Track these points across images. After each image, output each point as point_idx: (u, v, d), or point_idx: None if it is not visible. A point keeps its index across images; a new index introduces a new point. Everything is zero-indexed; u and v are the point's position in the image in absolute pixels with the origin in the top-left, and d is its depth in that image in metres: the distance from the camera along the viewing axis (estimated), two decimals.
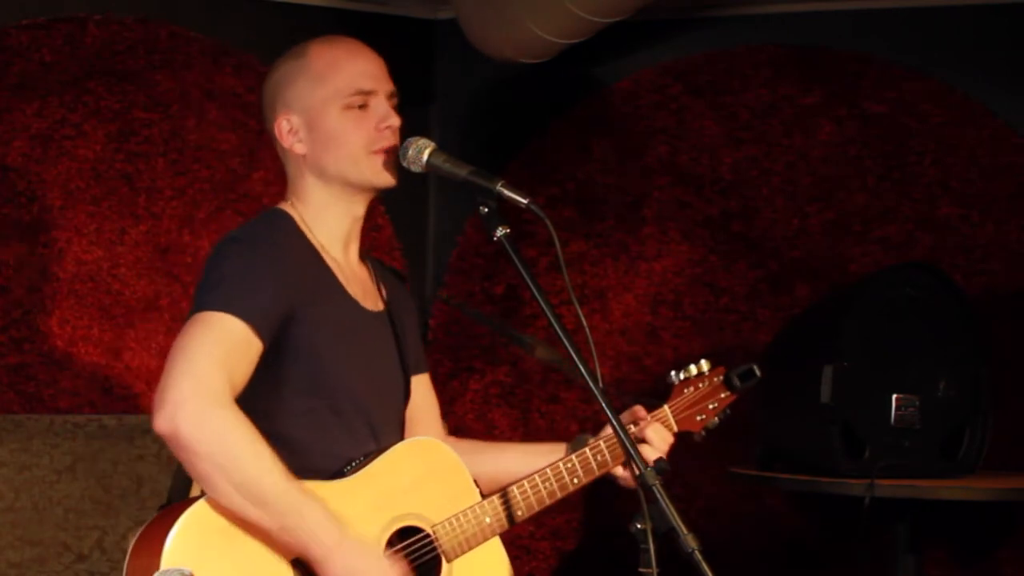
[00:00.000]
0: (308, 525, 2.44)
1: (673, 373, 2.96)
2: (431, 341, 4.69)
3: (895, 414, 3.80)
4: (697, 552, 2.30)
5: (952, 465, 3.86)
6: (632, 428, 2.84)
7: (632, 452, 2.39)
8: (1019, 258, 4.25)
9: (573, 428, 4.46)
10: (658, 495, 2.34)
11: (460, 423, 4.60)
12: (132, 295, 4.17)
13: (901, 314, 3.85)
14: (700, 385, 2.96)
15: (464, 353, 4.65)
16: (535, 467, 2.80)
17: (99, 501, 3.78)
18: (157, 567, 2.36)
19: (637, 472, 2.37)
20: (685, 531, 2.31)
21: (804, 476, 3.83)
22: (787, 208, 4.44)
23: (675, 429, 2.89)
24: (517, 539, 4.52)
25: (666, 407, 2.91)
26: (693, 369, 2.96)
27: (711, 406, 2.96)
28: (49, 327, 4.05)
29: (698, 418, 2.95)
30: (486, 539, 2.71)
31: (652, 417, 2.87)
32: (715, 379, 2.97)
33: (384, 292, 2.83)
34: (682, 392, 2.95)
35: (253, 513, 2.43)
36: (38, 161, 4.06)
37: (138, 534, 2.48)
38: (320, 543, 2.44)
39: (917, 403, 3.81)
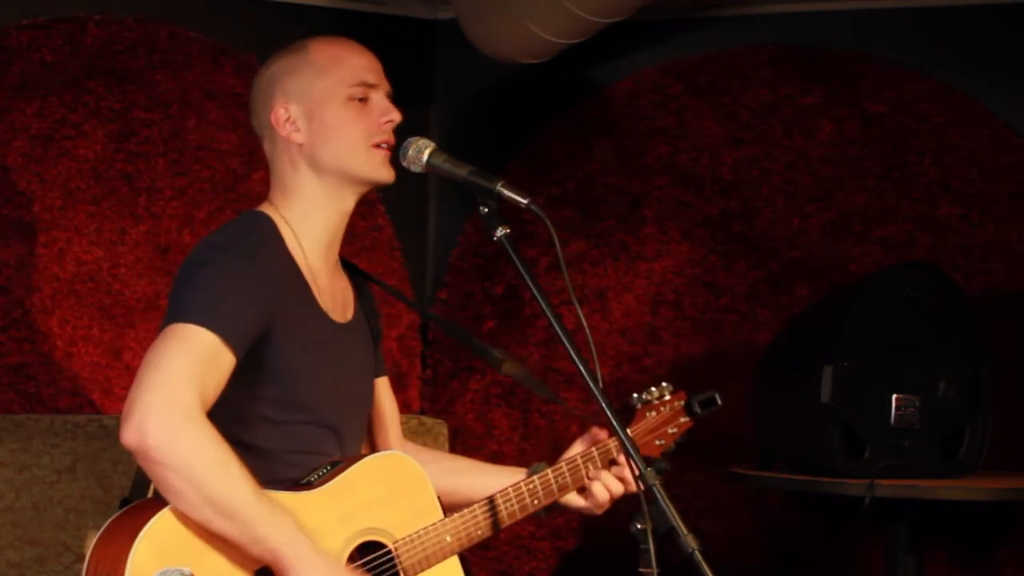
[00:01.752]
0: (278, 537, 2.42)
1: (635, 396, 2.95)
2: (431, 341, 4.69)
3: (895, 414, 3.80)
4: (697, 552, 2.30)
5: (952, 465, 3.86)
6: (593, 452, 2.85)
7: (632, 452, 2.39)
8: (1019, 258, 4.25)
9: (573, 428, 4.46)
10: (658, 495, 2.33)
11: (460, 423, 4.60)
12: (132, 295, 4.17)
13: (901, 314, 3.85)
14: (662, 409, 2.96)
15: (464, 353, 4.65)
16: (490, 488, 2.80)
17: (99, 501, 3.78)
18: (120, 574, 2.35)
19: (636, 472, 2.37)
20: (685, 531, 2.31)
21: (804, 476, 3.83)
22: (787, 208, 4.44)
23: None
24: (517, 539, 4.52)
25: (628, 432, 2.91)
26: (656, 392, 2.96)
27: (670, 431, 2.96)
28: (49, 327, 4.05)
29: (657, 443, 2.95)
30: (446, 557, 2.69)
31: (613, 441, 2.86)
32: (676, 403, 2.97)
33: (355, 299, 2.81)
34: (644, 416, 2.95)
35: (222, 525, 2.40)
36: (38, 161, 4.06)
37: (99, 535, 2.45)
38: (288, 555, 2.43)
39: (917, 403, 3.81)
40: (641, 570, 2.35)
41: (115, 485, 3.80)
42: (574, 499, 2.87)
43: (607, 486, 2.84)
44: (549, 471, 2.81)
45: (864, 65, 4.41)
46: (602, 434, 2.87)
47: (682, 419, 2.97)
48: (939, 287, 3.89)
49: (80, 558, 3.75)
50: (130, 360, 4.14)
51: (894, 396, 3.80)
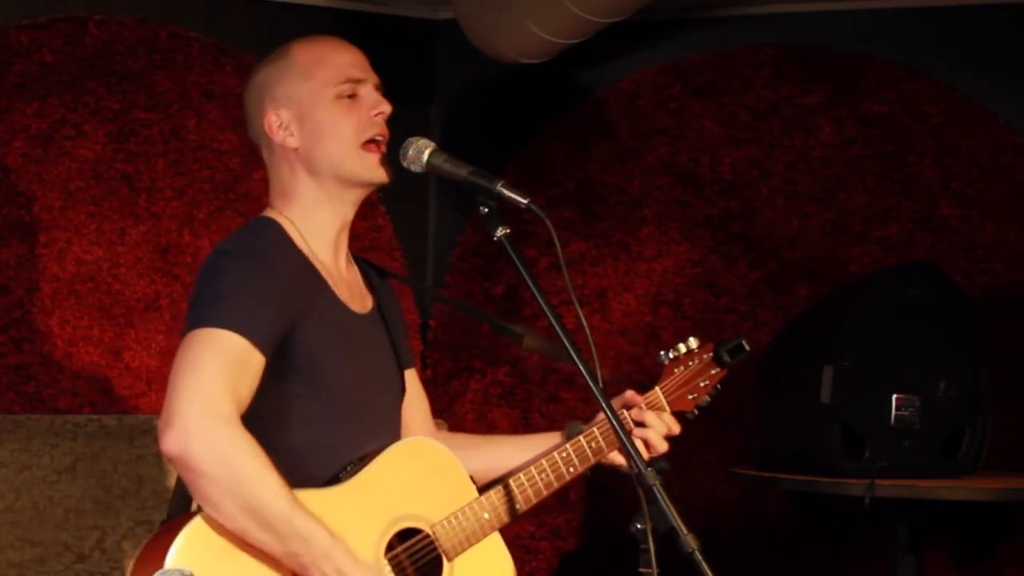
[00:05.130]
0: (313, 551, 2.43)
1: (662, 353, 2.94)
2: (431, 341, 4.69)
3: (895, 414, 3.80)
4: (697, 552, 2.30)
5: (952, 465, 3.86)
6: (625, 413, 2.83)
7: (632, 452, 2.39)
8: (1019, 258, 4.26)
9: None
10: (658, 495, 2.33)
11: (460, 423, 4.60)
12: (132, 295, 4.17)
13: (901, 314, 3.85)
14: (690, 363, 2.93)
15: (464, 353, 4.65)
16: (530, 460, 2.79)
17: (99, 501, 3.77)
18: None
19: (636, 472, 2.37)
20: (685, 531, 2.31)
21: (804, 476, 3.83)
22: (787, 208, 4.44)
23: (667, 411, 2.87)
24: (517, 539, 4.52)
25: (657, 389, 2.89)
26: (682, 347, 2.93)
27: (702, 384, 2.93)
28: (49, 327, 4.05)
29: (690, 397, 2.92)
30: (486, 535, 2.69)
31: (644, 399, 2.85)
32: (704, 356, 2.93)
33: (372, 291, 2.82)
34: (672, 372, 2.92)
35: (258, 536, 2.41)
36: (38, 161, 4.06)
37: (138, 553, 2.45)
38: (323, 571, 2.44)
39: (917, 403, 3.81)
40: (641, 570, 2.35)
41: (115, 485, 3.80)
42: (613, 457, 2.84)
43: (647, 441, 2.82)
44: (581, 438, 2.79)
45: (864, 65, 4.41)
46: (634, 397, 2.85)
47: (713, 371, 2.94)
48: (939, 287, 3.89)
49: (80, 558, 3.75)
50: (130, 360, 4.14)
51: (894, 396, 3.80)
